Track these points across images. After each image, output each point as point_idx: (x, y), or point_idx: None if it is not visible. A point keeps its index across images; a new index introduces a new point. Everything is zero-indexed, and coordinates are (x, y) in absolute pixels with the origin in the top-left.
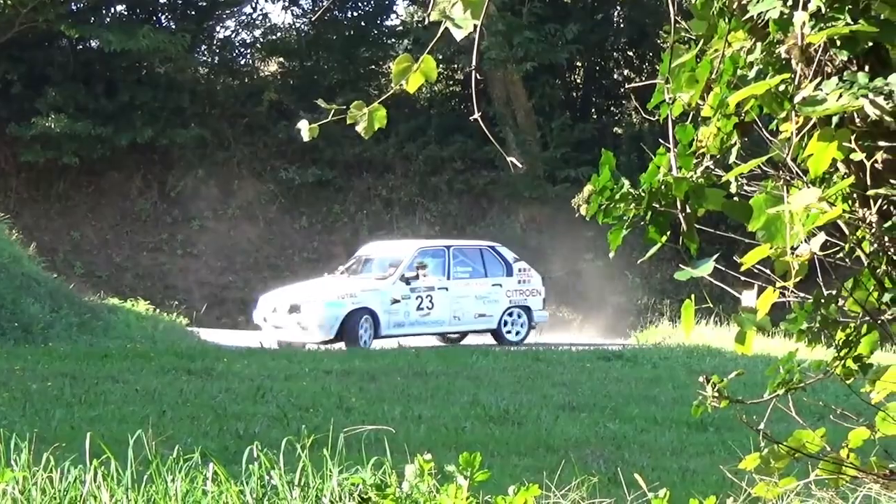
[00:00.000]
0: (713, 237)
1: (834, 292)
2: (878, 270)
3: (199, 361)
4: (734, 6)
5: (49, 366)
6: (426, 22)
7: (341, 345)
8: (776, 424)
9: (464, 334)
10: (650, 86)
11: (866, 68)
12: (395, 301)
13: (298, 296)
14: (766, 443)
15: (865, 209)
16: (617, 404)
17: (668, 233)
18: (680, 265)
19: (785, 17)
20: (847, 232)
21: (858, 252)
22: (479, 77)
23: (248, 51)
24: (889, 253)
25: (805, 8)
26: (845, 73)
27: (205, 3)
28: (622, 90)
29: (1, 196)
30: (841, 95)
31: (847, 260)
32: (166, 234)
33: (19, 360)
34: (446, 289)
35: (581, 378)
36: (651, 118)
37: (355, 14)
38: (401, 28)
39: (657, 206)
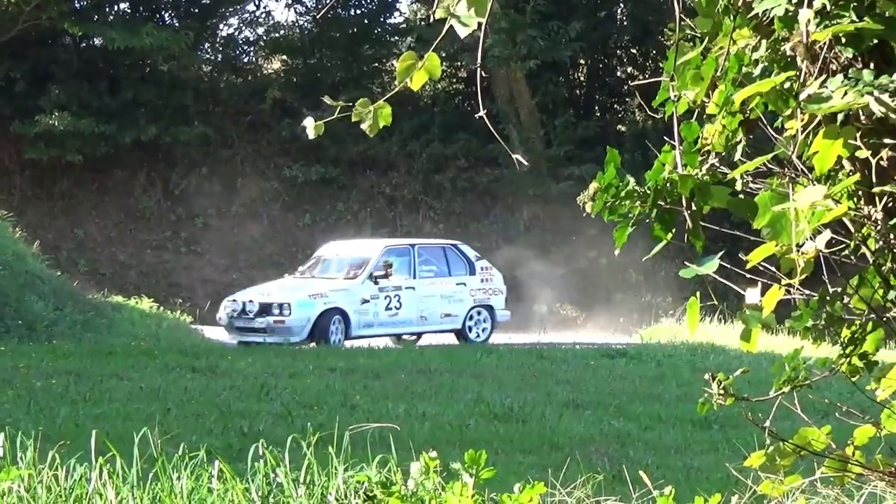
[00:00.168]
0: (717, 234)
1: (839, 289)
2: (883, 267)
3: (204, 359)
4: (739, 4)
5: (53, 363)
6: (430, 20)
7: (312, 345)
8: (781, 422)
9: (419, 335)
10: (654, 83)
11: (871, 66)
12: (365, 301)
13: (269, 296)
14: (771, 440)
15: (871, 206)
16: (621, 402)
17: (674, 230)
18: (685, 262)
19: (790, 14)
20: (852, 229)
21: (864, 249)
22: (485, 74)
23: (252, 48)
24: (894, 250)
25: (810, 5)
26: (850, 71)
27: (208, 1)
28: (626, 88)
29: (4, 194)
30: (846, 93)
31: (852, 257)
32: (170, 232)
33: (23, 357)
34: (413, 288)
35: (585, 376)
36: (655, 116)
37: (358, 12)
38: (404, 26)
39: (662, 203)
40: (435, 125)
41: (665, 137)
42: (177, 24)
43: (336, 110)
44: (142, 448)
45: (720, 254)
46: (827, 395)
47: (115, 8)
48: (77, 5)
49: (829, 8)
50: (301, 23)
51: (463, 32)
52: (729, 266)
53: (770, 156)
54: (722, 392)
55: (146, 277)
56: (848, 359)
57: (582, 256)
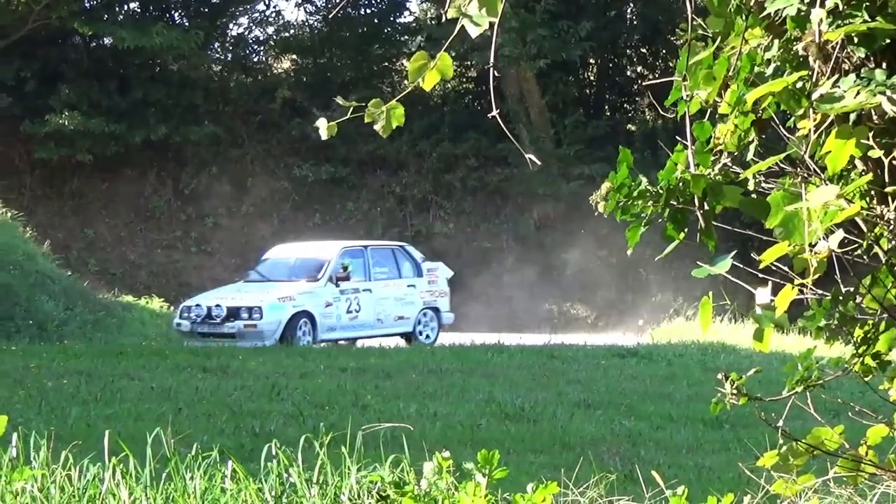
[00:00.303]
0: (727, 234)
1: (852, 289)
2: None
3: (214, 359)
4: (751, 3)
5: (64, 363)
6: (441, 19)
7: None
8: (792, 422)
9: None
10: (664, 83)
11: (884, 65)
12: (328, 304)
13: (237, 300)
14: (784, 440)
15: (883, 206)
16: (632, 401)
17: (686, 230)
18: (697, 262)
19: (802, 14)
20: (865, 229)
21: (876, 249)
22: (498, 74)
23: (262, 48)
24: None
25: (822, 5)
26: (863, 70)
27: (218, 1)
28: (635, 87)
29: (15, 193)
30: (858, 92)
31: (865, 257)
32: (180, 232)
33: (34, 357)
34: (370, 290)
35: (596, 375)
36: (666, 115)
37: (368, 11)
38: (414, 25)
39: (675, 203)
40: (445, 124)
41: (677, 137)
42: (187, 24)
43: (348, 110)
44: (154, 448)
45: (733, 253)
46: (839, 394)
47: (125, 7)
48: (87, 5)
49: (841, 8)
50: (311, 22)
51: (474, 32)
52: (740, 265)
53: (782, 156)
54: (735, 392)
55: (156, 277)
56: (861, 358)
57: (592, 256)
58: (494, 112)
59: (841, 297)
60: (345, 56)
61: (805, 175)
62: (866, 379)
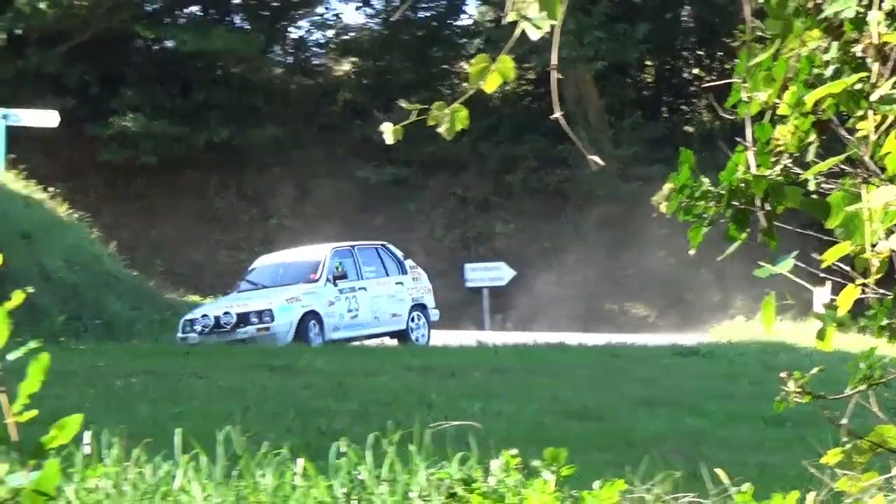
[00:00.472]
0: (787, 234)
1: None
2: None
3: (280, 358)
4: (809, 6)
5: (132, 363)
6: (500, 22)
7: None
8: (854, 420)
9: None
10: (720, 84)
11: None
12: (331, 303)
13: (245, 306)
14: (848, 438)
15: None
16: (694, 400)
17: (748, 230)
18: (758, 262)
19: (860, 16)
20: None
21: None
22: (560, 76)
23: (322, 51)
24: None
25: (880, 7)
26: None
27: (278, 4)
28: (692, 89)
29: (81, 195)
30: None
31: None
32: (244, 233)
33: (103, 357)
34: (365, 289)
35: (658, 374)
36: (724, 116)
37: (427, 14)
38: (472, 27)
39: (737, 203)
40: (504, 126)
41: (735, 138)
42: (247, 27)
43: (409, 113)
44: (224, 446)
45: (795, 253)
46: None
47: (186, 11)
48: (149, 9)
49: None
50: (370, 25)
51: (534, 35)
52: (802, 265)
53: (843, 157)
54: (798, 390)
55: (221, 277)
56: None
57: (652, 256)
58: (557, 114)
59: None
60: (404, 59)
61: (865, 176)
62: None
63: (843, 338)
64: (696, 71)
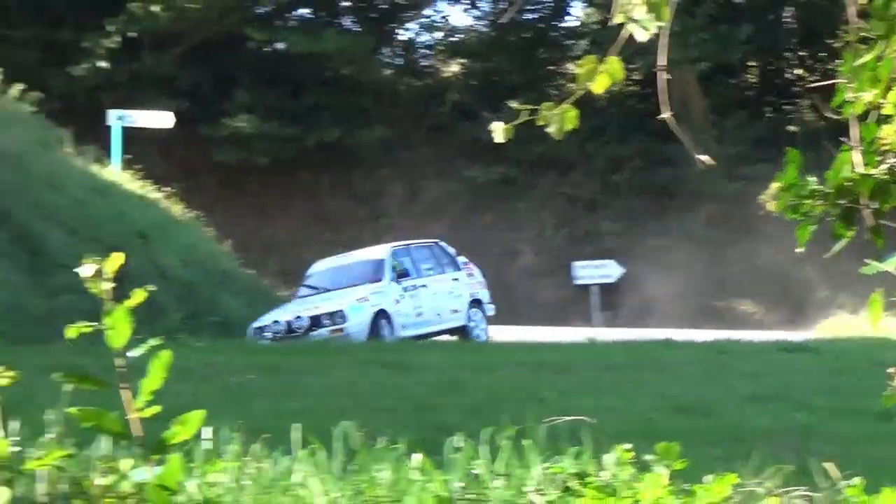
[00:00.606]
0: (893, 232)
1: None
2: None
3: (394, 355)
4: None
5: (249, 359)
6: (607, 23)
7: None
8: None
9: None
10: (824, 84)
11: None
12: (398, 301)
13: (316, 309)
14: None
15: None
16: (802, 395)
17: (855, 228)
18: (865, 260)
19: None
20: None
21: None
22: (668, 77)
23: (430, 52)
24: None
25: None
26: None
27: (387, 6)
28: (795, 89)
29: (195, 195)
30: None
31: None
32: (354, 232)
33: (219, 354)
34: (425, 286)
35: (765, 370)
36: (828, 116)
37: (533, 16)
38: (578, 29)
39: (843, 202)
40: (611, 126)
41: (840, 138)
42: (357, 29)
43: (517, 113)
44: (341, 441)
45: None
46: None
47: (297, 14)
48: (260, 11)
49: None
50: (477, 27)
51: (641, 36)
52: None
53: None
54: None
55: None
56: None
57: (758, 253)
58: (666, 114)
59: None
60: (511, 60)
61: None
62: None
63: None
64: (798, 71)
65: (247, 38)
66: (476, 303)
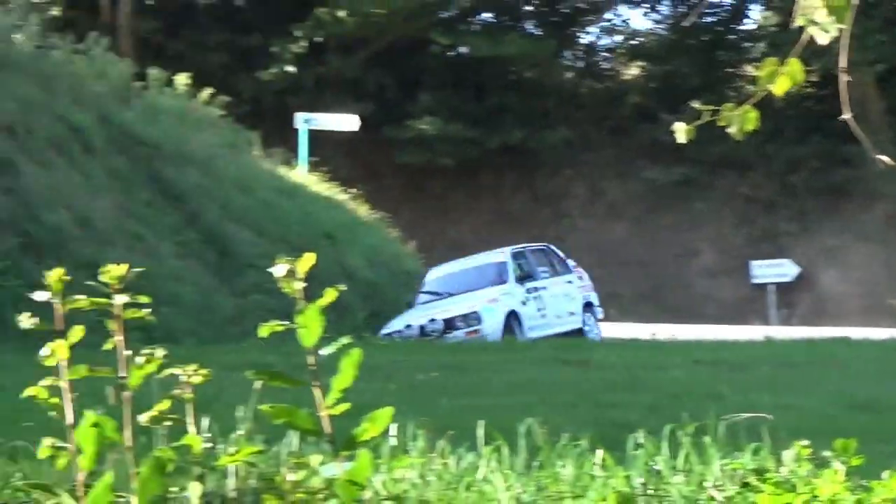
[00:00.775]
0: None
1: None
2: None
3: (575, 352)
4: None
5: (432, 357)
6: (790, 26)
7: None
8: None
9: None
10: None
11: None
12: (524, 303)
13: (449, 312)
14: None
15: None
16: None
17: None
18: None
19: None
20: None
21: None
22: (848, 79)
23: (611, 55)
24: None
25: None
26: None
27: (569, 11)
28: None
29: (380, 196)
30: None
31: None
32: (537, 232)
33: (403, 352)
34: (545, 288)
35: None
36: None
37: (712, 19)
38: (756, 32)
39: None
40: (789, 128)
41: None
42: (539, 33)
43: (696, 114)
44: (524, 437)
45: None
46: None
47: (481, 18)
48: (444, 16)
49: None
50: (657, 30)
51: (822, 39)
52: None
53: None
54: None
55: None
56: None
57: None
58: (847, 115)
59: None
60: (691, 62)
61: None
62: None
63: None
64: None
65: (431, 42)
66: (588, 306)
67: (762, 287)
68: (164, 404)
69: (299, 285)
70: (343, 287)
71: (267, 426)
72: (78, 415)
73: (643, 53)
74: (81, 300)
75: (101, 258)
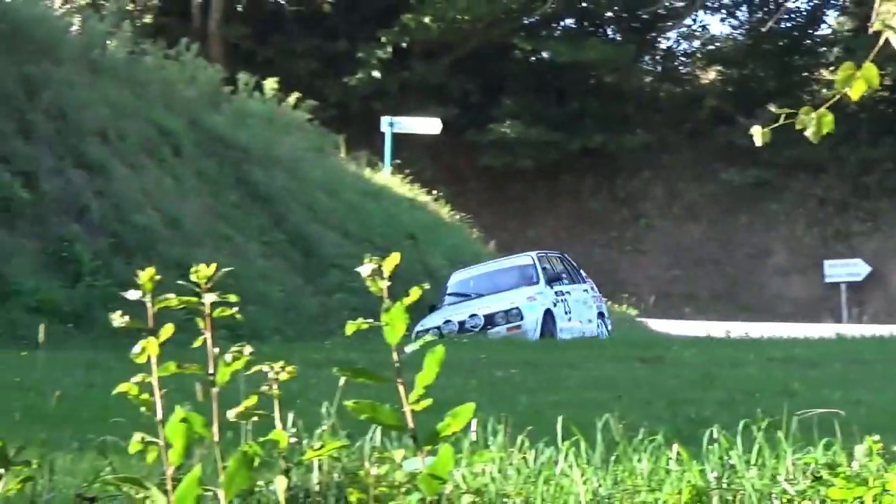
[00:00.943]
0: None
1: None
2: None
3: (650, 350)
4: None
5: (511, 355)
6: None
7: None
8: None
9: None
10: None
11: None
12: (555, 304)
13: (490, 308)
14: None
15: None
16: None
17: None
18: None
19: None
20: None
21: None
22: None
23: (689, 60)
24: None
25: None
26: None
27: (648, 16)
28: None
29: (462, 198)
30: None
31: None
32: (616, 233)
33: (484, 349)
34: (570, 293)
35: None
36: None
37: (788, 25)
38: (831, 37)
39: None
40: (862, 130)
41: None
42: (619, 38)
43: (772, 118)
44: (601, 433)
45: None
46: None
47: (562, 24)
48: (526, 21)
49: None
50: (734, 35)
51: None
52: None
53: None
54: None
55: (594, 274)
56: None
57: None
58: None
59: None
60: (767, 67)
61: None
62: None
63: None
64: None
65: (514, 48)
66: (600, 315)
67: (835, 286)
68: (251, 400)
69: (384, 284)
70: (426, 286)
71: (351, 422)
72: (167, 411)
73: (720, 58)
74: (172, 299)
75: (189, 258)
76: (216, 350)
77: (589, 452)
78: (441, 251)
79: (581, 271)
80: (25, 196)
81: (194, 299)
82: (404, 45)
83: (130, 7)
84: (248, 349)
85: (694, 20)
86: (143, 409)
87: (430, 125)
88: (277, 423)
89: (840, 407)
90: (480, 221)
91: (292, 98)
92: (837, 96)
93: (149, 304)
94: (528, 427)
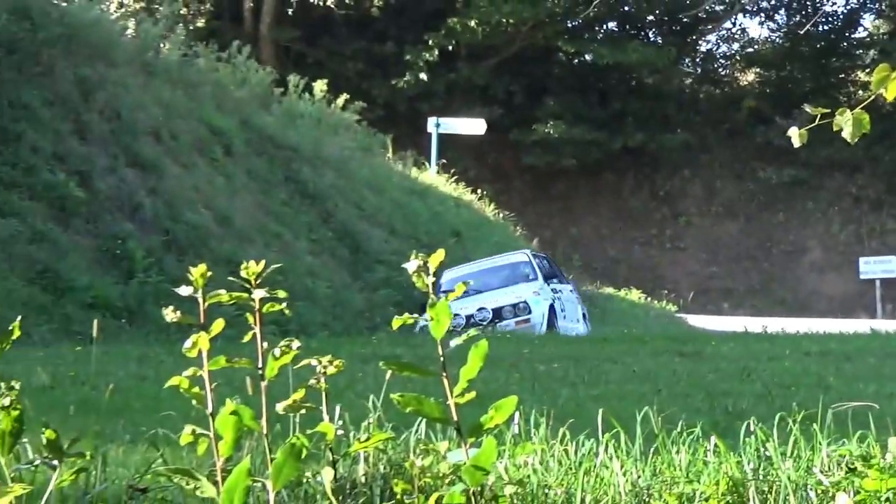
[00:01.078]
0: None
1: None
2: None
3: (689, 344)
4: None
5: (554, 349)
6: None
7: None
8: None
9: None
10: None
11: None
12: (553, 301)
13: (498, 301)
14: None
15: None
16: None
17: None
18: None
19: None
20: None
21: None
22: None
23: (728, 62)
24: None
25: None
26: None
27: (688, 20)
28: None
29: (506, 196)
30: None
31: None
32: (656, 230)
33: (526, 344)
34: (562, 291)
35: None
36: None
37: (825, 28)
38: (867, 39)
39: None
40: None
41: None
42: (660, 41)
43: (809, 118)
44: (640, 425)
45: None
46: None
47: (604, 27)
48: (569, 24)
49: None
50: (773, 38)
51: None
52: None
53: None
54: None
55: (635, 271)
56: None
57: None
58: None
59: None
60: (804, 69)
61: None
62: None
63: None
64: None
65: (557, 50)
66: (584, 316)
67: (869, 282)
68: (300, 394)
69: (430, 280)
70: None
71: (396, 414)
72: (217, 404)
73: (759, 60)
74: (222, 295)
75: (240, 255)
76: (265, 345)
77: (629, 444)
78: (485, 248)
79: (563, 273)
80: (80, 195)
81: (244, 295)
82: (450, 47)
83: (184, 11)
84: (296, 344)
85: (733, 23)
86: (194, 402)
87: (475, 126)
88: (325, 415)
89: (874, 400)
90: (524, 219)
91: (341, 99)
92: (873, 97)
93: (200, 300)
94: (570, 420)
